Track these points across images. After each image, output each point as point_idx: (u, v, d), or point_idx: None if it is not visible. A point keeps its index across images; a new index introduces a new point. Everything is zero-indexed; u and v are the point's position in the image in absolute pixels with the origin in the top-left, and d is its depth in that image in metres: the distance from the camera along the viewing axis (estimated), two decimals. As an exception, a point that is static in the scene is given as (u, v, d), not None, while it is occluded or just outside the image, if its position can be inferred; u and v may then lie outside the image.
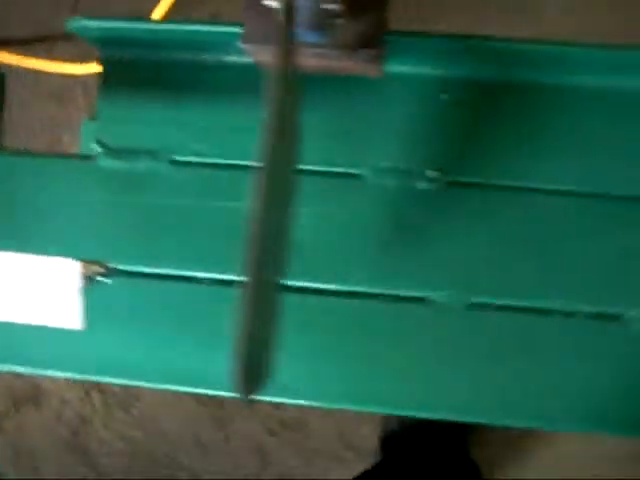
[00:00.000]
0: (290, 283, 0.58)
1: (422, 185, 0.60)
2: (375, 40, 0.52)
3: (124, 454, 1.44)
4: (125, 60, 0.62)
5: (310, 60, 0.53)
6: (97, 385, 1.44)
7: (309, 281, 0.59)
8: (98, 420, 1.44)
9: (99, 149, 0.61)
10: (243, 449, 1.42)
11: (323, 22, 0.49)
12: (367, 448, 1.35)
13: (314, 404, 0.58)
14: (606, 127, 0.58)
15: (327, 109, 0.61)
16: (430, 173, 0.60)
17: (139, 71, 0.62)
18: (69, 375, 0.60)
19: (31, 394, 1.44)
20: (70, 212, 0.61)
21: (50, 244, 0.61)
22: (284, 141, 0.45)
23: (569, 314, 0.57)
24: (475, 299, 0.58)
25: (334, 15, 0.50)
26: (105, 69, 0.62)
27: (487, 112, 0.59)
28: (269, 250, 0.43)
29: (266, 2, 0.49)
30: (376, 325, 0.59)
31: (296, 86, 0.46)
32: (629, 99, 0.57)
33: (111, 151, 0.61)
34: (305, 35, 0.49)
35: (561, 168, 0.58)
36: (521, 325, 0.57)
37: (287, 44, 0.45)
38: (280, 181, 0.44)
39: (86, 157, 0.62)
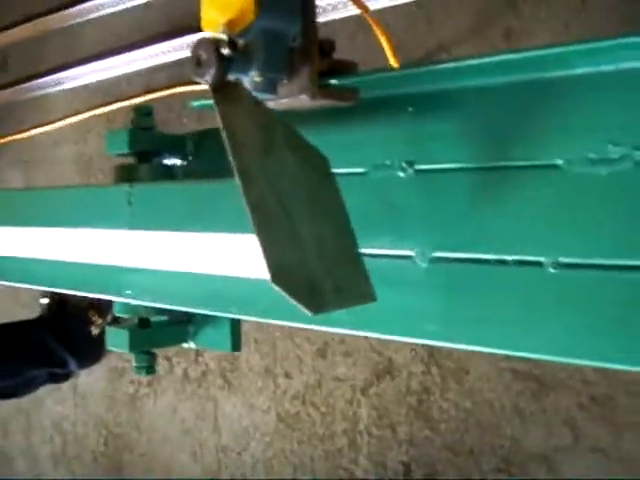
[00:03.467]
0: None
1: (401, 174, 0.80)
2: (309, 88, 0.76)
3: (459, 420, 1.71)
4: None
5: (287, 104, 0.79)
6: (436, 361, 1.75)
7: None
8: (437, 391, 1.75)
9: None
10: (556, 421, 1.57)
11: (274, 84, 0.76)
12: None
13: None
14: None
15: (336, 128, 0.85)
16: (405, 165, 0.79)
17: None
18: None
19: (387, 367, 1.83)
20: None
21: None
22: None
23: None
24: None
25: (280, 79, 0.76)
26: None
27: (439, 114, 0.77)
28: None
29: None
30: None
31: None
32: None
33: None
34: (265, 94, 0.77)
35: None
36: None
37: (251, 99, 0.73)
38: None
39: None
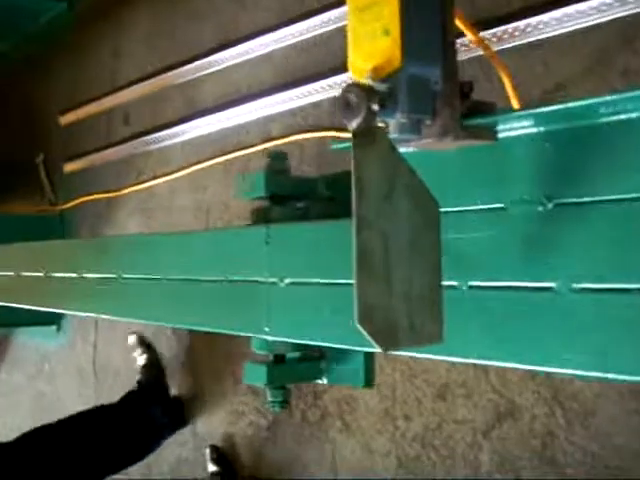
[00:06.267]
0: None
1: (540, 208, 0.84)
2: (452, 130, 0.81)
3: (586, 465, 1.69)
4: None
5: (429, 145, 0.85)
6: (560, 403, 1.74)
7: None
8: (562, 434, 1.73)
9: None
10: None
11: (418, 126, 0.82)
12: None
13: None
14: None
15: (474, 166, 0.90)
16: (543, 199, 0.83)
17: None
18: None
19: (509, 409, 1.83)
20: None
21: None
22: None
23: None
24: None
25: (424, 121, 0.81)
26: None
27: (577, 150, 0.80)
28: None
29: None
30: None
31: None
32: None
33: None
34: (410, 135, 0.82)
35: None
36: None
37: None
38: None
39: None
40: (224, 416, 2.55)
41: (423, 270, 0.80)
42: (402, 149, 0.84)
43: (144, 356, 2.67)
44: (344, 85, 0.79)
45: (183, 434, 2.71)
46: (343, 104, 0.77)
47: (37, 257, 1.89)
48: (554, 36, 1.79)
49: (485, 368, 1.85)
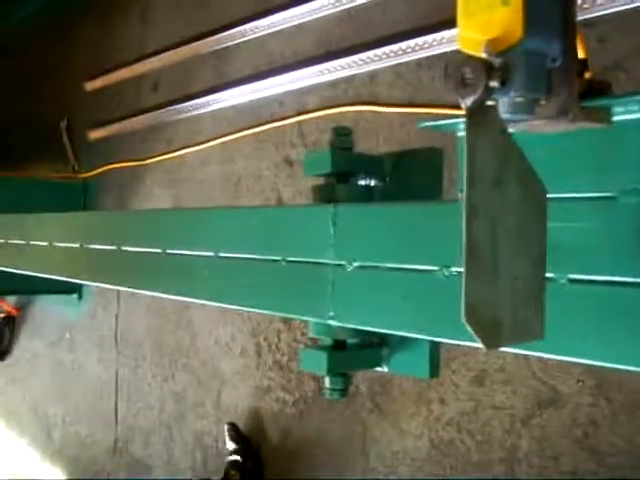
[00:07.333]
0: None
1: (659, 200, 0.75)
2: (570, 110, 0.72)
3: (630, 455, 1.62)
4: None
5: (539, 127, 0.76)
6: (605, 393, 1.67)
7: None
8: (606, 424, 1.66)
9: None
10: None
11: (532, 105, 0.73)
12: None
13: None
14: None
15: (580, 150, 0.81)
16: (664, 189, 0.75)
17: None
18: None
19: (551, 398, 1.76)
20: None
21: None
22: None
23: None
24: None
25: (538, 100, 0.73)
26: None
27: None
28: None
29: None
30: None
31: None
32: None
33: None
34: (523, 115, 0.73)
35: None
36: None
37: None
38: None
39: None
40: (249, 390, 2.48)
41: (528, 262, 0.73)
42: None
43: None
44: (459, 58, 0.70)
45: (206, 407, 2.65)
46: (457, 79, 0.69)
47: (73, 228, 1.80)
48: (612, 13, 1.69)
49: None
